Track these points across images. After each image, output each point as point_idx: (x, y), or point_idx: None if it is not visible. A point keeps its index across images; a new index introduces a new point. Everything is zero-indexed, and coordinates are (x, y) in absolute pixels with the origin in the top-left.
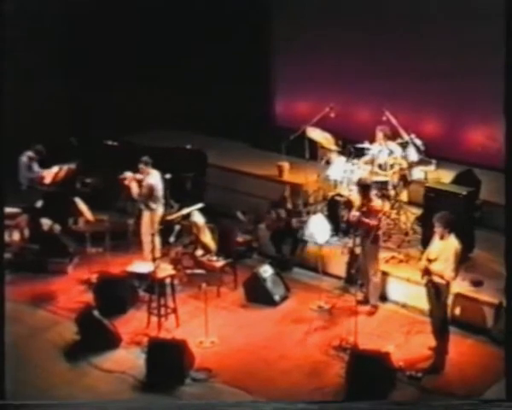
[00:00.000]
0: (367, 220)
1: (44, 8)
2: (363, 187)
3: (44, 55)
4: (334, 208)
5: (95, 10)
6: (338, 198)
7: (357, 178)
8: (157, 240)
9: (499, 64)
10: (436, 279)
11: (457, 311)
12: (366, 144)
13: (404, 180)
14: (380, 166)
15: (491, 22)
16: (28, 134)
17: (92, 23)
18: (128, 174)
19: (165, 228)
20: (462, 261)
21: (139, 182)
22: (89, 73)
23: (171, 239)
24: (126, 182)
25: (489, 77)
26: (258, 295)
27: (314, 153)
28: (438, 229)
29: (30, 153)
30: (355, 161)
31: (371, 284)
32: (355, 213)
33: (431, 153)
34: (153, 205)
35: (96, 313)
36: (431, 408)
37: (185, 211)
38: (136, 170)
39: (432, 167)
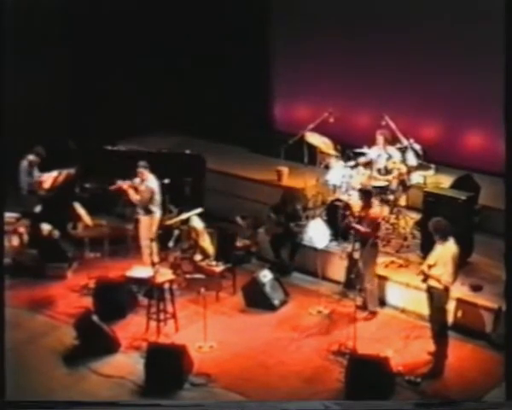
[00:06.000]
0: (360, 228)
1: (45, 7)
2: (365, 193)
3: (44, 56)
4: (334, 213)
5: (95, 11)
6: (337, 203)
7: (360, 185)
8: (156, 245)
9: (499, 67)
10: (435, 284)
11: (457, 316)
12: (365, 149)
13: (403, 185)
14: (379, 171)
15: (491, 22)
16: (27, 138)
17: (93, 24)
18: (120, 183)
19: (165, 233)
20: (460, 266)
21: (135, 188)
22: (88, 75)
23: (170, 244)
24: (124, 187)
25: (488, 81)
26: (257, 299)
27: (313, 158)
28: (435, 236)
29: (31, 157)
30: (353, 164)
31: (367, 292)
32: (350, 219)
33: (430, 158)
34: (152, 208)
35: (94, 318)
36: None
37: (184, 216)
38: (134, 175)
39: (431, 172)
